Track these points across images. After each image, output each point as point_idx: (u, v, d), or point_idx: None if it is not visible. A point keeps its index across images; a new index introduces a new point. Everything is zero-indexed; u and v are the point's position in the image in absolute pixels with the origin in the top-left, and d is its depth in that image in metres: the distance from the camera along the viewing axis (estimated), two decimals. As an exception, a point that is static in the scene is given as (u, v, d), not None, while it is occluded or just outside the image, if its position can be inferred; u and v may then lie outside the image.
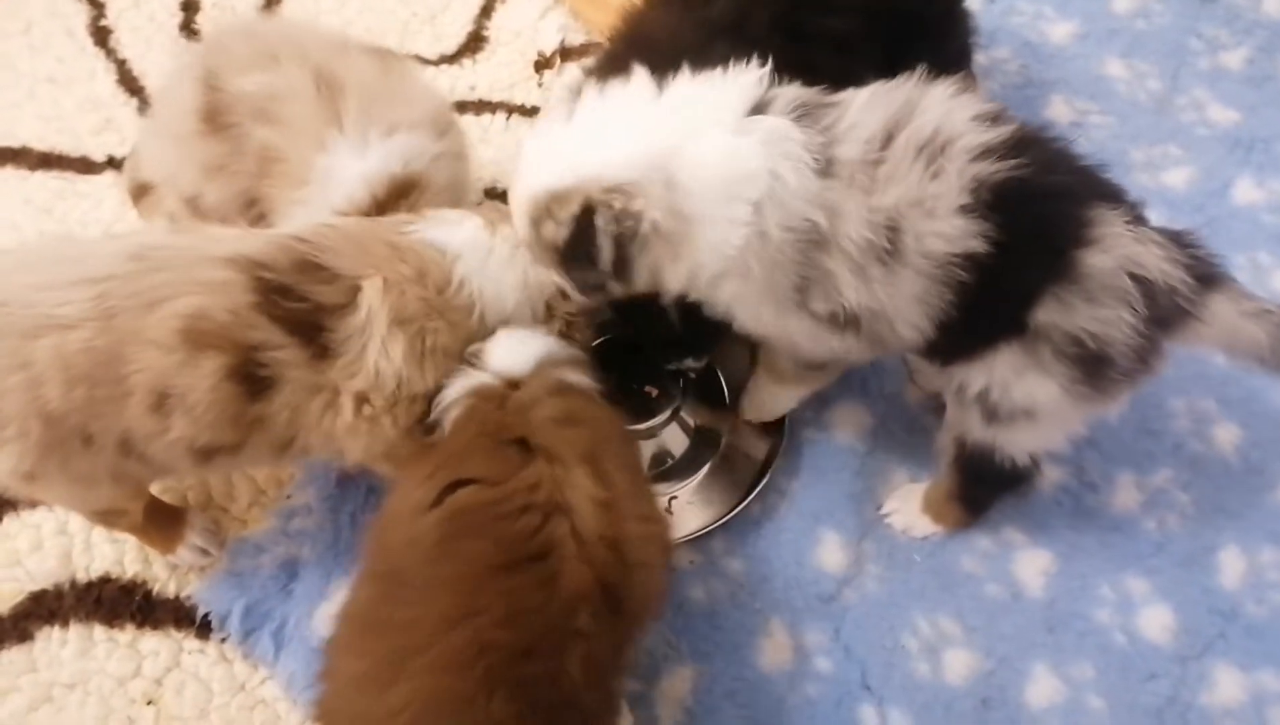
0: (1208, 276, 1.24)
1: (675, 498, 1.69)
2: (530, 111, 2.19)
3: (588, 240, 1.25)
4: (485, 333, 1.38)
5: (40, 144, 2.13)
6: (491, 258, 1.39)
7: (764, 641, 1.56)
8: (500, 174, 2.05)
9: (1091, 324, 1.22)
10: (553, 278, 1.39)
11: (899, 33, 1.57)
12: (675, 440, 1.75)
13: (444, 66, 2.26)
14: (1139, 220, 1.24)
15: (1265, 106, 2.14)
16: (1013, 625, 1.57)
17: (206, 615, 1.57)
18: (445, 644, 1.06)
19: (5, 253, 1.36)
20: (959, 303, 1.23)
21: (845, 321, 1.29)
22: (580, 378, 1.33)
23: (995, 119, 1.23)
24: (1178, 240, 1.24)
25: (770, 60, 1.28)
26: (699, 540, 1.63)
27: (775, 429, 1.72)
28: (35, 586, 1.59)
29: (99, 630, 1.56)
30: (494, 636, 1.06)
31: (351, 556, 1.60)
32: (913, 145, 1.20)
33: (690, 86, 1.28)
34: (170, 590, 1.60)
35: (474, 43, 2.31)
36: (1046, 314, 1.23)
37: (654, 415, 1.70)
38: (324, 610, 1.56)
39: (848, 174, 1.21)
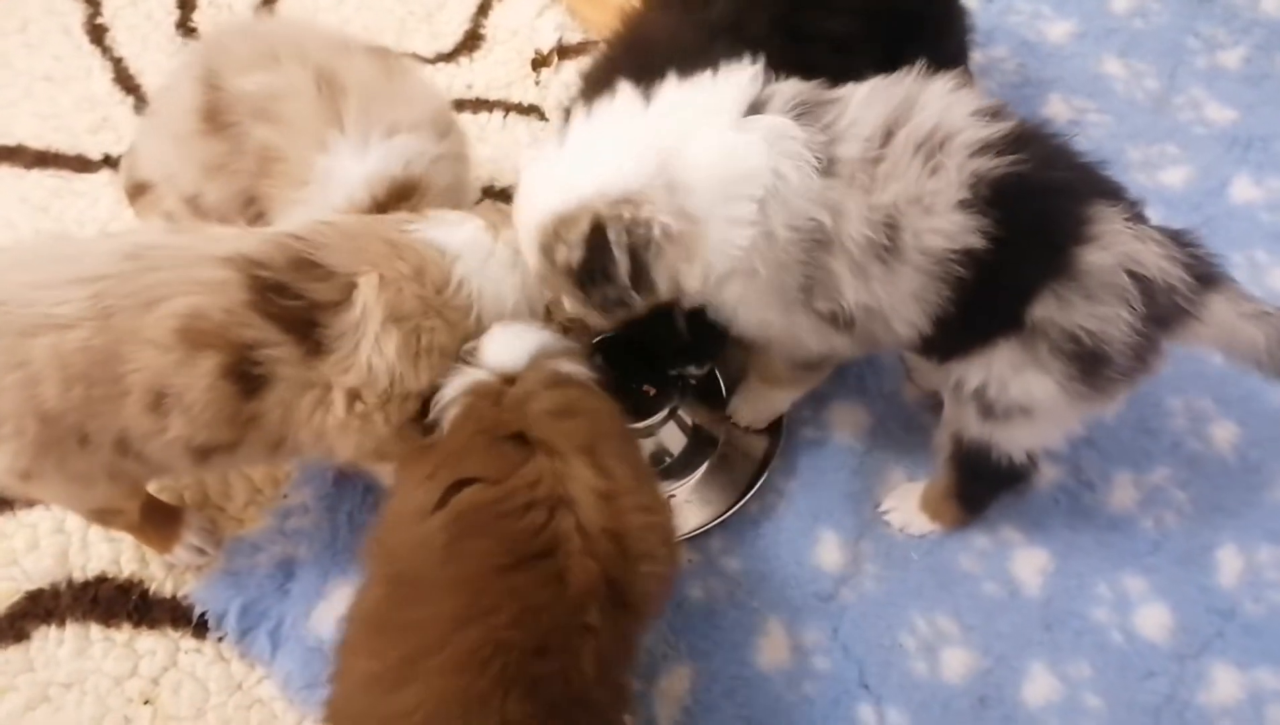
0: (1207, 276, 1.25)
1: (673, 496, 1.69)
2: (528, 110, 2.19)
3: (603, 256, 1.25)
4: (481, 334, 1.38)
5: (36, 142, 2.12)
6: (492, 260, 1.39)
7: (762, 640, 1.56)
8: (498, 172, 2.05)
9: (1089, 321, 1.22)
10: (572, 306, 1.38)
11: (898, 32, 1.57)
12: (673, 439, 1.75)
13: (441, 65, 2.26)
14: (1138, 218, 1.24)
15: (1263, 105, 2.15)
16: (1010, 624, 1.57)
17: (203, 614, 1.56)
18: (457, 644, 1.06)
19: (2, 251, 1.36)
20: (957, 299, 1.23)
21: (844, 321, 1.29)
22: (576, 368, 1.32)
23: (995, 114, 1.23)
24: (1177, 239, 1.24)
25: (769, 61, 1.28)
26: (697, 539, 1.63)
27: (773, 428, 1.72)
28: (32, 586, 1.59)
29: (96, 629, 1.56)
30: (507, 635, 1.06)
31: (349, 556, 1.60)
32: (912, 142, 1.20)
33: (681, 90, 1.28)
34: (167, 589, 1.59)
35: (471, 41, 2.31)
36: (1044, 310, 1.23)
37: (652, 414, 1.70)
38: (321, 609, 1.56)
39: (849, 172, 1.21)
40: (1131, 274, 1.19)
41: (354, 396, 1.29)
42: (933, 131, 1.20)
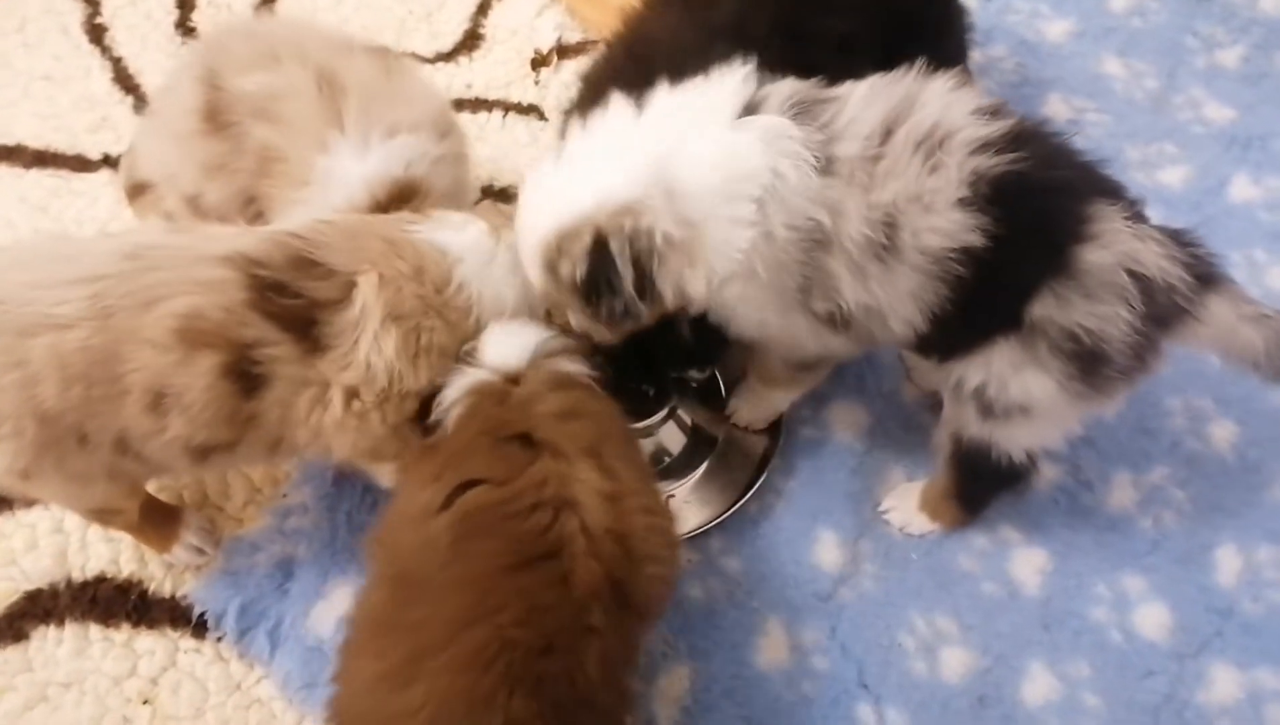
0: (1207, 276, 1.24)
1: (673, 496, 1.69)
2: (527, 110, 2.19)
3: (606, 267, 1.24)
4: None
5: (36, 142, 2.12)
6: (493, 263, 1.39)
7: (761, 640, 1.56)
8: (497, 172, 2.05)
9: (1088, 320, 1.22)
10: (580, 322, 1.37)
11: (898, 32, 1.57)
12: (673, 439, 1.75)
13: (440, 64, 2.26)
14: (1138, 217, 1.24)
15: (1261, 104, 2.15)
16: (1009, 623, 1.57)
17: (202, 614, 1.56)
18: (463, 643, 1.06)
19: (1, 251, 1.36)
20: (956, 298, 1.23)
21: (841, 321, 1.29)
22: (577, 367, 1.32)
23: (995, 113, 1.23)
24: (1177, 238, 1.24)
25: (770, 61, 1.28)
26: (696, 539, 1.63)
27: (772, 428, 1.72)
28: (30, 585, 1.59)
29: (94, 629, 1.56)
30: (512, 635, 1.06)
31: (348, 555, 1.60)
32: (912, 140, 1.20)
33: (673, 96, 1.28)
34: (166, 589, 1.59)
35: (470, 40, 2.31)
36: (1043, 309, 1.23)
37: (651, 413, 1.70)
38: (320, 609, 1.56)
39: (848, 171, 1.21)
40: (1131, 273, 1.19)
41: (352, 394, 1.29)
42: (933, 129, 1.20)
